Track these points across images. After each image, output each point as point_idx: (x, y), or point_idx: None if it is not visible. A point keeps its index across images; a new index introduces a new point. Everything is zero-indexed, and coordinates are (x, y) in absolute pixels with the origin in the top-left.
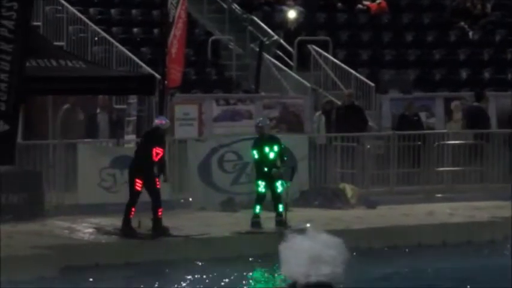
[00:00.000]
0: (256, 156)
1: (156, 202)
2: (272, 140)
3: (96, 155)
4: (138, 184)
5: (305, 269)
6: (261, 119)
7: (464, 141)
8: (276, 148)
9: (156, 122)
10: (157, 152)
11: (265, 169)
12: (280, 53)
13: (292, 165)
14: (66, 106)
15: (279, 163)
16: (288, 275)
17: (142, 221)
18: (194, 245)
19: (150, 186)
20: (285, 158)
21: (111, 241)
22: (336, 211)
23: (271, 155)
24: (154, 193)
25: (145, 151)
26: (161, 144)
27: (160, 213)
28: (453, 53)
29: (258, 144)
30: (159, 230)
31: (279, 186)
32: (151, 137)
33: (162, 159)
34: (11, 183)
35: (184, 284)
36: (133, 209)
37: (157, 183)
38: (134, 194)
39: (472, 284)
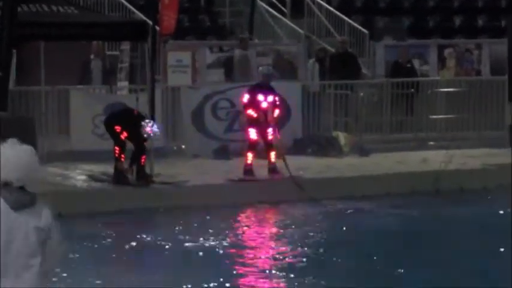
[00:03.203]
0: (245, 100)
1: (139, 149)
2: (269, 90)
3: (89, 101)
4: (118, 129)
5: None
6: (266, 67)
7: (457, 88)
8: (269, 98)
9: (147, 129)
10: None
11: (255, 115)
12: (274, 0)
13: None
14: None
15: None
16: None
17: (135, 169)
18: (187, 192)
19: (131, 134)
20: (277, 111)
21: (104, 188)
22: (330, 159)
23: (264, 104)
24: (135, 140)
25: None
26: (130, 128)
27: (143, 161)
28: (447, 0)
29: (254, 90)
30: (143, 177)
31: (270, 133)
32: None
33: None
34: (3, 130)
35: (177, 231)
36: (122, 156)
37: None
38: (120, 141)
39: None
